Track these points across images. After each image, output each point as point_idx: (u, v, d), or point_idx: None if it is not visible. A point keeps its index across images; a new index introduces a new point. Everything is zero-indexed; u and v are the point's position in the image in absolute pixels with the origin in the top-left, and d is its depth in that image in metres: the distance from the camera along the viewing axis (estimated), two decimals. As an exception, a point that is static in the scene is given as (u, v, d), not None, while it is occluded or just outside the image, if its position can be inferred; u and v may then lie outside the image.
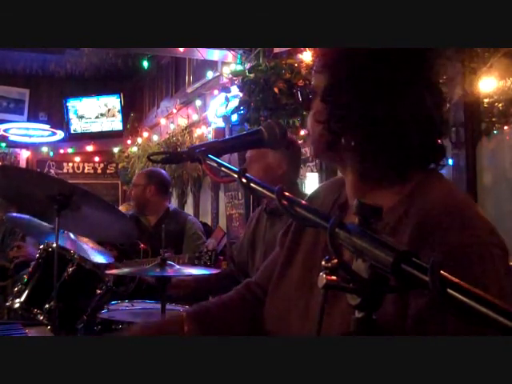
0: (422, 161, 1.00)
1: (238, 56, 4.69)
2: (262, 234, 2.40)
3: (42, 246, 2.47)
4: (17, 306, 2.29)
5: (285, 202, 0.76)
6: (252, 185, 0.88)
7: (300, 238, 1.17)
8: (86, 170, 9.21)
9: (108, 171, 9.18)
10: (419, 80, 0.97)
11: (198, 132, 5.90)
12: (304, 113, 3.55)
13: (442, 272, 0.53)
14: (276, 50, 4.21)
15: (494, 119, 2.79)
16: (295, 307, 1.09)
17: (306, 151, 4.07)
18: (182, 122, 6.40)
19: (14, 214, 2.89)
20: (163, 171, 3.71)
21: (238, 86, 3.88)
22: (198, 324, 1.15)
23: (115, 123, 8.81)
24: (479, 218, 0.93)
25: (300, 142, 4.00)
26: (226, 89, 4.22)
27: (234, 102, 3.96)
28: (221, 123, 5.26)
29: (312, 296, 1.05)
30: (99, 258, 2.65)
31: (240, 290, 1.28)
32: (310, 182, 4.06)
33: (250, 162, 2.34)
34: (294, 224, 1.20)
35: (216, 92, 5.22)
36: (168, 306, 2.21)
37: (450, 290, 0.52)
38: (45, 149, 8.97)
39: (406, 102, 0.95)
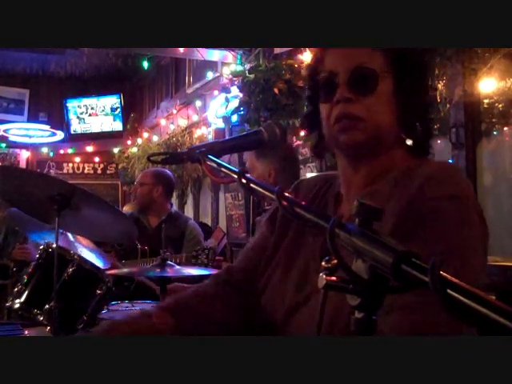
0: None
1: (238, 56, 4.69)
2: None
3: (41, 247, 2.47)
4: (17, 306, 2.29)
5: (285, 203, 0.76)
6: (252, 185, 0.88)
7: (287, 223, 1.17)
8: (85, 171, 9.22)
9: (108, 172, 9.19)
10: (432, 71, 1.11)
11: (197, 133, 5.90)
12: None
13: (441, 272, 0.53)
14: (276, 50, 4.21)
15: (494, 120, 2.80)
16: (285, 287, 1.09)
17: (306, 151, 4.07)
18: (182, 122, 6.41)
19: (15, 210, 2.89)
20: (170, 173, 3.72)
21: (238, 87, 3.88)
22: (172, 317, 1.12)
23: (115, 124, 8.82)
24: (464, 181, 1.00)
25: (300, 142, 4.01)
26: (225, 89, 4.22)
27: (234, 103, 3.96)
28: (221, 124, 5.27)
29: (301, 280, 1.06)
30: (97, 262, 2.64)
31: (220, 275, 1.26)
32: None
33: None
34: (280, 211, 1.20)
35: (216, 92, 5.22)
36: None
37: (449, 290, 0.52)
38: (45, 149, 8.98)
39: (430, 95, 1.11)
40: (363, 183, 1.07)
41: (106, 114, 8.88)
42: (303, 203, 0.76)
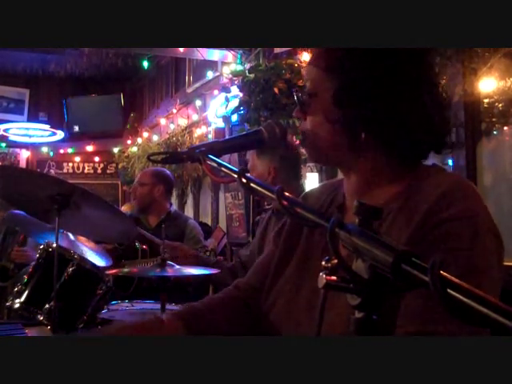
0: (421, 158, 1.03)
1: (238, 56, 4.69)
2: (269, 237, 2.40)
3: (41, 246, 2.47)
4: (17, 306, 2.29)
5: (285, 203, 0.76)
6: (252, 185, 0.88)
7: (294, 238, 1.17)
8: (86, 170, 9.21)
9: (108, 171, 9.17)
10: (421, 80, 0.99)
11: (198, 132, 5.90)
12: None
13: (442, 272, 0.53)
14: (276, 50, 4.21)
15: (493, 119, 2.79)
16: (296, 304, 1.09)
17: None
18: (182, 122, 6.40)
19: (15, 211, 2.89)
20: (169, 172, 3.73)
21: (238, 86, 3.88)
22: (184, 325, 1.13)
23: (115, 123, 8.81)
24: (477, 199, 0.96)
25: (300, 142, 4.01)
26: (226, 89, 4.21)
27: (234, 102, 3.95)
28: (221, 123, 5.26)
29: (314, 295, 1.05)
30: (97, 261, 2.64)
31: (230, 290, 1.26)
32: (310, 182, 4.05)
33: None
34: (288, 224, 1.20)
35: (216, 92, 5.22)
36: (168, 306, 2.21)
37: (450, 290, 0.52)
38: (45, 149, 8.96)
39: (410, 99, 0.98)
40: (359, 192, 1.06)
41: (106, 114, 8.87)
42: (303, 203, 0.76)
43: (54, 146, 9.00)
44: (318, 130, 1.05)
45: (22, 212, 2.75)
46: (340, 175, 1.17)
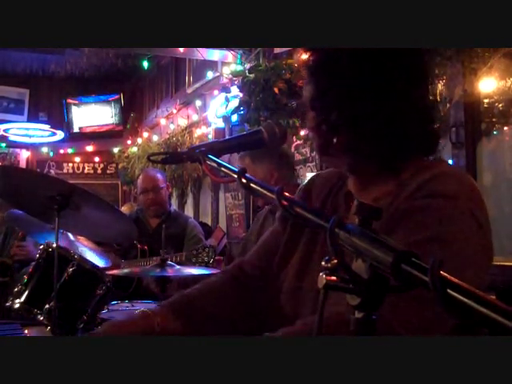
0: (412, 152, 1.03)
1: (238, 56, 4.69)
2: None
3: (41, 246, 2.47)
4: (17, 306, 2.28)
5: (285, 202, 0.76)
6: (252, 185, 0.88)
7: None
8: (85, 171, 9.20)
9: (108, 171, 9.17)
10: (402, 75, 0.98)
11: (198, 132, 5.90)
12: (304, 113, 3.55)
13: (442, 272, 0.53)
14: (276, 50, 4.21)
15: (494, 119, 2.79)
16: (302, 287, 1.08)
17: (306, 151, 4.07)
18: (182, 122, 6.40)
19: (15, 211, 2.89)
20: None
21: (238, 86, 3.88)
22: (176, 317, 1.11)
23: (115, 123, 8.81)
24: (464, 184, 0.97)
25: (300, 142, 4.01)
26: (226, 89, 4.22)
27: (234, 103, 3.95)
28: (221, 123, 5.26)
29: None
30: (97, 261, 2.64)
31: (230, 270, 1.25)
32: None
33: None
34: None
35: (216, 92, 5.21)
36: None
37: (450, 290, 0.52)
38: (45, 149, 8.96)
39: (388, 98, 0.98)
40: (356, 189, 1.09)
41: (106, 114, 8.87)
42: (303, 203, 0.77)
43: (53, 146, 8.99)
44: (310, 132, 1.11)
45: (21, 212, 2.75)
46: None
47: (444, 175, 0.98)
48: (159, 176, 3.50)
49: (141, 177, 3.60)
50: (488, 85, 2.65)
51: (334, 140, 1.00)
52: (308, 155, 4.04)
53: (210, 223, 5.73)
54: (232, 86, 4.13)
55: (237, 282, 1.21)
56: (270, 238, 1.23)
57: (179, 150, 5.75)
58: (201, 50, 4.95)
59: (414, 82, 1.00)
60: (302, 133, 3.58)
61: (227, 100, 4.11)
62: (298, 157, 4.13)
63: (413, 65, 1.01)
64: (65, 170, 9.12)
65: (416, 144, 1.02)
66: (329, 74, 1.00)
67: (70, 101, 8.83)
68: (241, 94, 3.80)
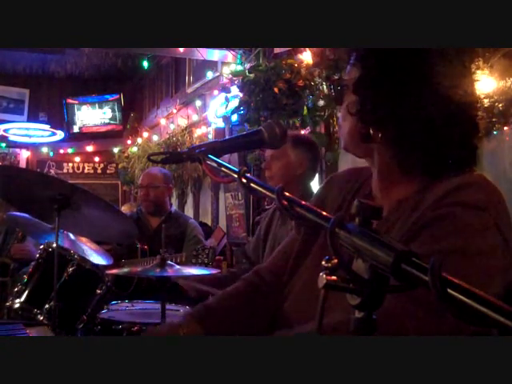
0: (451, 160, 1.01)
1: (238, 56, 4.69)
2: (274, 231, 2.41)
3: (42, 246, 2.47)
4: (17, 306, 2.29)
5: (285, 202, 0.76)
6: (252, 185, 0.88)
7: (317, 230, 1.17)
8: (85, 170, 9.20)
9: (108, 171, 9.17)
10: (447, 78, 0.98)
11: (198, 132, 5.89)
12: (304, 113, 3.55)
13: (442, 272, 0.53)
14: (276, 50, 4.21)
15: (494, 119, 2.79)
16: (311, 292, 1.08)
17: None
18: (182, 122, 6.40)
19: (15, 213, 2.89)
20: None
21: (238, 86, 3.88)
22: (200, 326, 1.13)
23: (115, 123, 8.81)
24: (491, 193, 0.95)
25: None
26: (225, 89, 4.21)
27: (234, 102, 3.95)
28: (221, 123, 5.26)
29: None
30: (98, 260, 2.65)
31: (249, 277, 1.26)
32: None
33: (272, 158, 2.37)
34: None
35: (216, 92, 5.21)
36: (168, 306, 2.21)
37: (450, 290, 0.52)
38: (45, 149, 8.96)
39: (432, 99, 0.97)
40: (380, 186, 1.08)
41: (106, 114, 8.87)
42: (303, 202, 0.76)
43: (53, 146, 8.99)
44: (343, 119, 1.09)
45: (21, 213, 2.76)
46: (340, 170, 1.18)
47: (472, 185, 0.96)
48: (159, 175, 3.50)
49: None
50: (488, 85, 2.65)
51: (372, 130, 1.01)
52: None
53: (210, 223, 5.73)
54: (232, 86, 4.13)
55: (254, 290, 1.22)
56: (288, 244, 1.24)
57: (179, 149, 5.75)
58: (201, 50, 4.94)
59: (457, 89, 1.00)
60: (302, 132, 3.58)
61: (227, 100, 4.11)
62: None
63: (456, 72, 1.01)
64: (65, 170, 9.11)
65: (457, 153, 1.01)
66: (380, 62, 0.99)
67: (70, 101, 8.82)
68: (241, 94, 3.80)
